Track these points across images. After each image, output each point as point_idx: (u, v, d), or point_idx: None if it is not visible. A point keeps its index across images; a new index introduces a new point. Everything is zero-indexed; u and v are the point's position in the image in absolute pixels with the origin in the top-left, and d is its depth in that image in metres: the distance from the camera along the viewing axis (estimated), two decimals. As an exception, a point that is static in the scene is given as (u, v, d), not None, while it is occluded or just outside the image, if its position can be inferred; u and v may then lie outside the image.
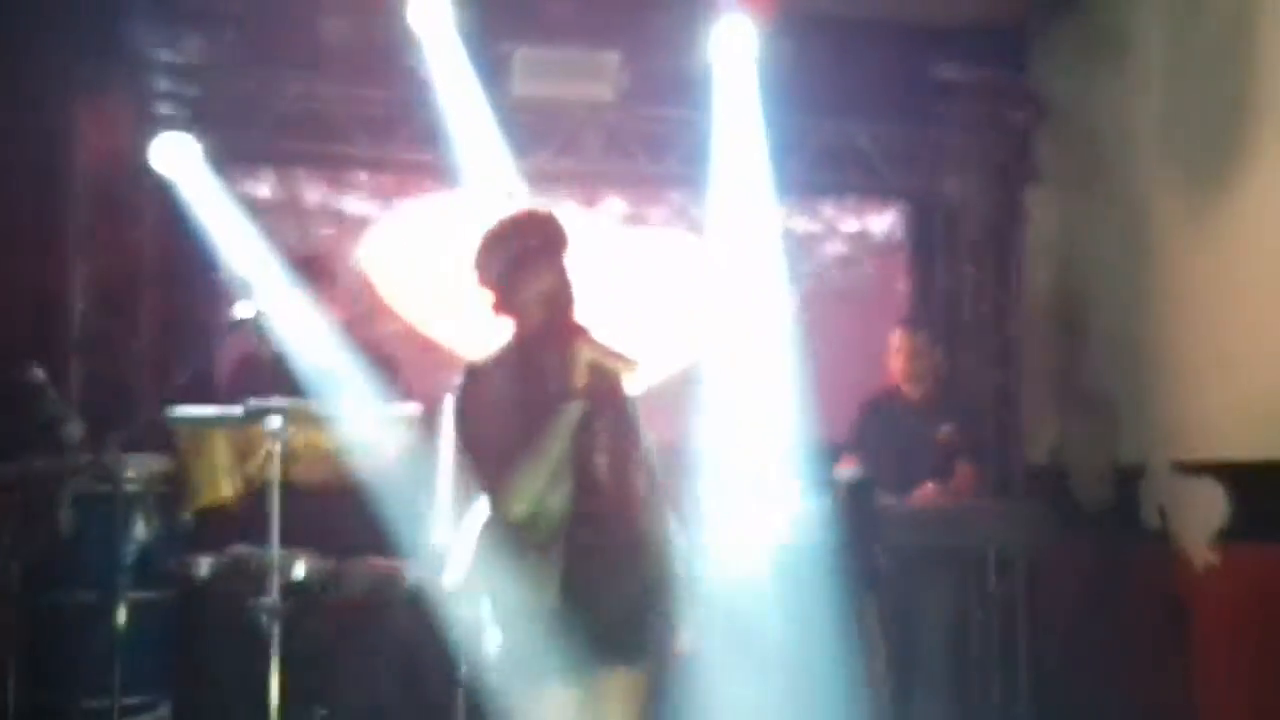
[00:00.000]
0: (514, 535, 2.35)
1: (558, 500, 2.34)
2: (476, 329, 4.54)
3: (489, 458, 2.35)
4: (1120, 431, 4.66)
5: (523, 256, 2.41)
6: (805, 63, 4.62)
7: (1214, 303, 4.16)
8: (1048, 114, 4.92)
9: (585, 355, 2.32)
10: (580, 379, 2.32)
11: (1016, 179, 4.92)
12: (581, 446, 2.36)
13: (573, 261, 2.46)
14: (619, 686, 2.40)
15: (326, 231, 4.76)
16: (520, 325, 2.45)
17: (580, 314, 2.44)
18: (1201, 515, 4.15)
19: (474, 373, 2.43)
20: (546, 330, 2.41)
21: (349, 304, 4.03)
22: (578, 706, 2.33)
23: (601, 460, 2.39)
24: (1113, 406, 4.70)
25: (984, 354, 5.13)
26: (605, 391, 2.39)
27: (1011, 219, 5.04)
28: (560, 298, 2.42)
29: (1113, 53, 4.69)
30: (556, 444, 2.32)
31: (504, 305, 2.45)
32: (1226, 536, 4.05)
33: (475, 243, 2.48)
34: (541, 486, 2.31)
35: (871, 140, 5.01)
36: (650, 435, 2.53)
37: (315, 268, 3.90)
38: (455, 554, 2.51)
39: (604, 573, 2.37)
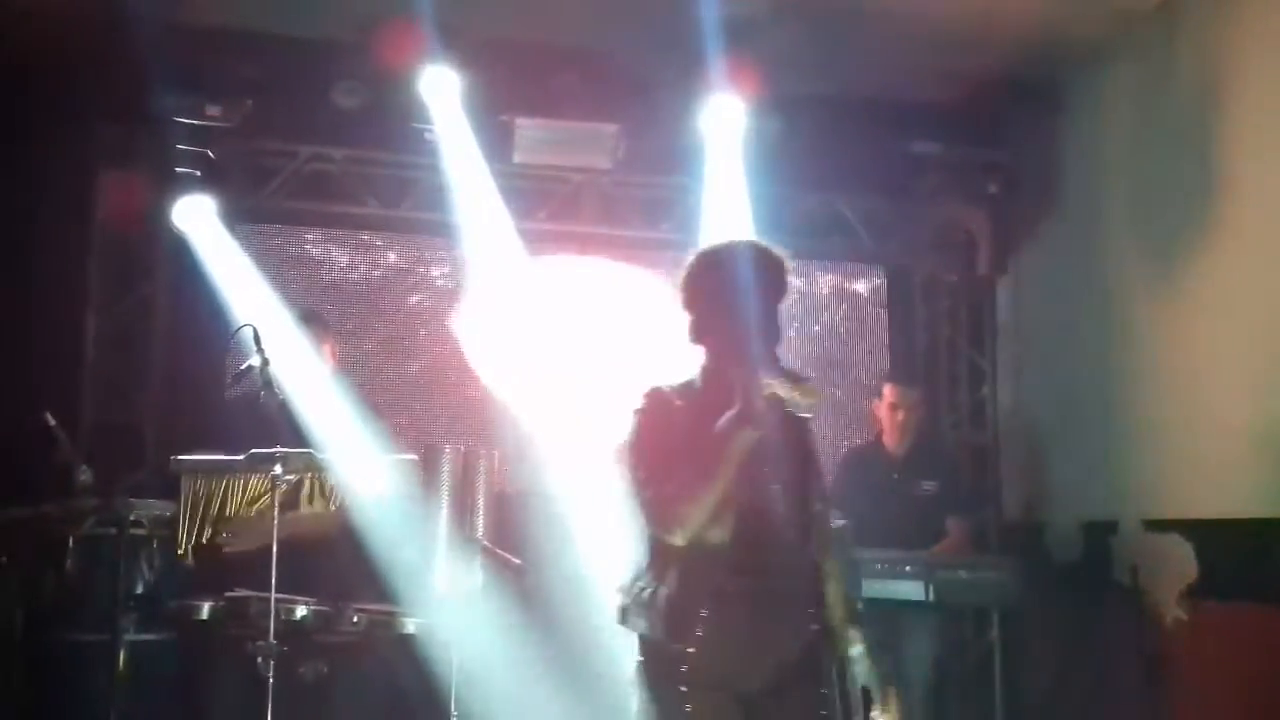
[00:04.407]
0: (686, 564, 2.21)
1: (717, 533, 2.20)
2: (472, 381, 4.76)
3: (655, 479, 2.22)
4: (1092, 489, 4.76)
5: (730, 286, 2.30)
6: (791, 138, 4.83)
7: (1181, 366, 4.30)
8: (1019, 186, 5.13)
9: (763, 382, 2.19)
10: (756, 405, 2.18)
11: (990, 248, 5.12)
12: (751, 481, 2.22)
13: (784, 309, 2.37)
14: None
15: (338, 287, 4.95)
16: (713, 355, 2.34)
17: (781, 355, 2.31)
18: (1170, 572, 4.23)
19: (657, 397, 2.31)
20: (737, 364, 2.26)
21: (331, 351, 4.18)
22: None
23: (774, 499, 2.25)
24: (1085, 465, 4.82)
25: (960, 414, 5.33)
26: (783, 425, 2.27)
27: (984, 285, 5.25)
28: (759, 337, 2.27)
29: (1083, 128, 4.92)
30: (726, 470, 2.17)
31: (701, 332, 2.35)
32: (1195, 593, 4.12)
33: (687, 262, 2.39)
34: (706, 514, 2.18)
35: (853, 211, 5.26)
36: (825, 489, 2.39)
37: (319, 321, 4.08)
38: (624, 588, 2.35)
39: (753, 625, 2.21)
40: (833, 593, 2.34)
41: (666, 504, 2.20)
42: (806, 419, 2.40)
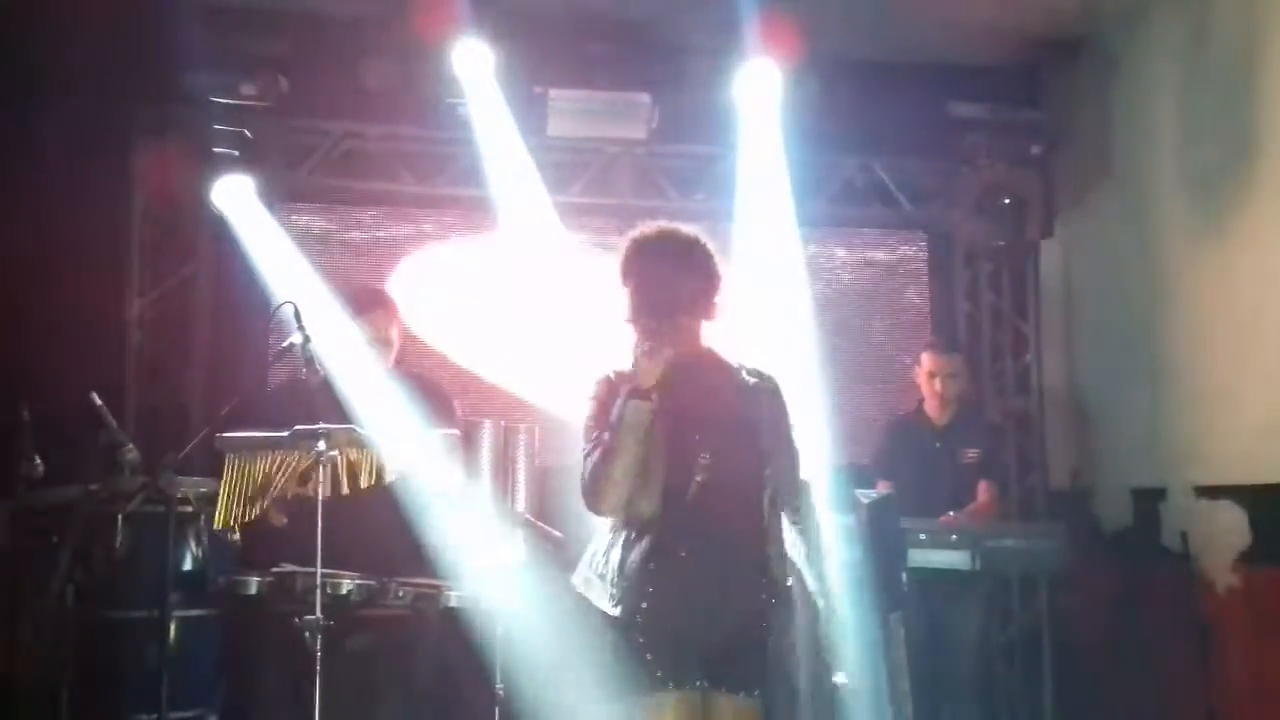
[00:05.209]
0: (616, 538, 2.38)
1: (645, 505, 2.34)
2: (507, 358, 4.78)
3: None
4: (1141, 455, 4.70)
5: (649, 275, 2.45)
6: (828, 102, 4.78)
7: (1229, 328, 4.22)
8: (1062, 147, 5.04)
9: (662, 351, 2.32)
10: (648, 379, 2.31)
11: (1033, 210, 5.03)
12: (676, 452, 2.35)
13: (720, 294, 2.48)
14: (729, 714, 2.33)
15: (374, 264, 4.95)
16: (641, 337, 2.45)
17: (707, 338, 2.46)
18: (1222, 538, 4.19)
19: (604, 383, 2.48)
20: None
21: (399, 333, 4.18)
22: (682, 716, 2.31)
23: (703, 472, 2.33)
24: (1133, 430, 4.75)
25: (1004, 380, 5.25)
26: (710, 395, 2.38)
27: (1028, 249, 5.16)
28: (671, 314, 2.41)
29: (1125, 87, 4.82)
30: (624, 444, 2.31)
31: (630, 315, 2.48)
32: (1247, 559, 4.07)
33: (622, 249, 2.53)
34: (622, 489, 2.33)
35: (893, 175, 5.17)
36: (789, 453, 2.46)
37: (367, 298, 4.07)
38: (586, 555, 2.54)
39: (699, 587, 2.32)
40: (789, 557, 2.45)
41: (585, 482, 2.36)
42: (762, 388, 2.46)
